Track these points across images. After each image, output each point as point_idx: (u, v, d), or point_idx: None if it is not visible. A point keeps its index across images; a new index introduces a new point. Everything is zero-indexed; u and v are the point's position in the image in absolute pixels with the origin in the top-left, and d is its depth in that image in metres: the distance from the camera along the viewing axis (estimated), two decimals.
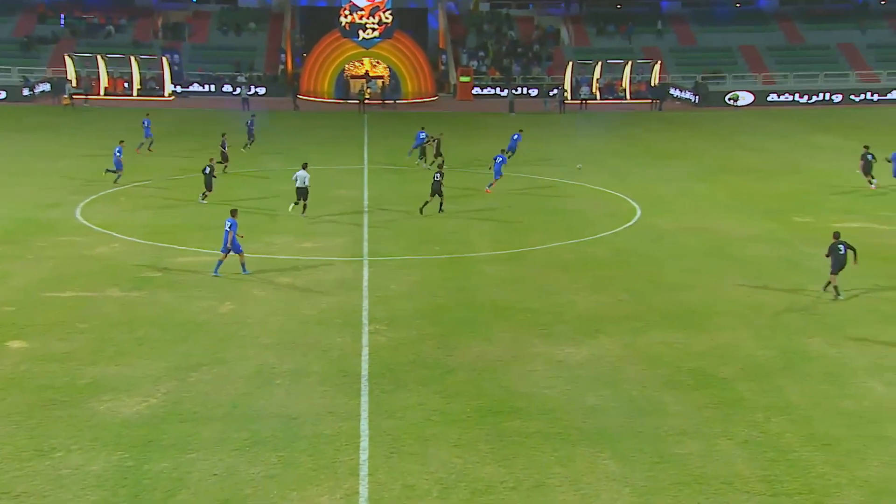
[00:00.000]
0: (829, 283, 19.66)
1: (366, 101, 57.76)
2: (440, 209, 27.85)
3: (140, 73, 60.90)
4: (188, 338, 16.96)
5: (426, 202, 27.71)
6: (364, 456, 12.55)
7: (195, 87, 62.85)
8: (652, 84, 61.81)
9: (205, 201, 28.53)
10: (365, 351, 16.46)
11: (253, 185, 32.22)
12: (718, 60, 67.28)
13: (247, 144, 39.29)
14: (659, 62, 63.74)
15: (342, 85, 64.01)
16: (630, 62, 64.14)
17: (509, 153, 34.94)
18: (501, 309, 18.94)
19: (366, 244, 24.26)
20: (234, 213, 21.35)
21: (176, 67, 62.49)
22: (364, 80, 63.76)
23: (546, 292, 20.08)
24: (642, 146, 40.82)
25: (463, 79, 63.88)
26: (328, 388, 14.77)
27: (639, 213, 28.25)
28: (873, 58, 66.77)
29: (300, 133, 46.47)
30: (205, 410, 13.86)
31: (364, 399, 14.37)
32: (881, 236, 25.05)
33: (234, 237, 20.88)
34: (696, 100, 61.03)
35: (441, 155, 34.75)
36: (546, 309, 18.91)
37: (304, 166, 27.49)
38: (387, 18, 62.53)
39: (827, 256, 19.75)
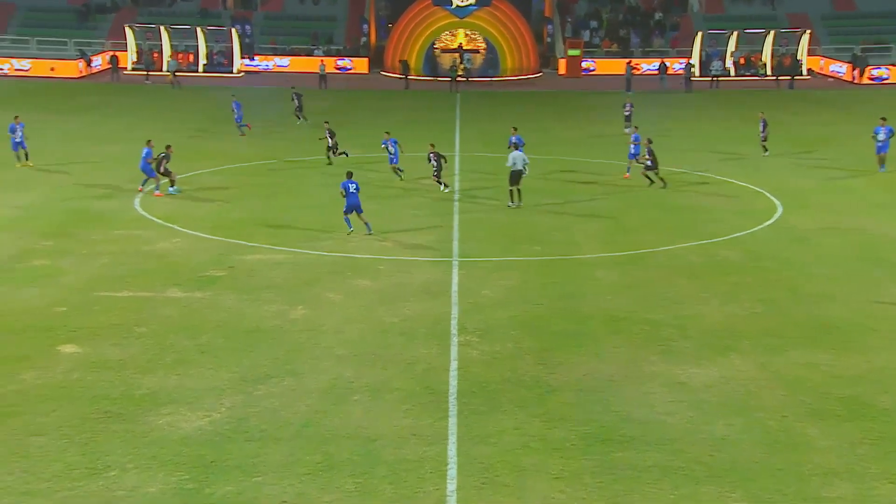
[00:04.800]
0: None
1: (458, 79, 58.06)
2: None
3: (207, 47, 62.59)
4: (255, 346, 17.37)
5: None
6: (452, 486, 12.61)
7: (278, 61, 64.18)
8: (797, 58, 60.20)
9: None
10: (454, 365, 16.55)
11: (321, 175, 32.70)
12: (883, 29, 64.94)
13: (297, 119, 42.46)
14: (808, 32, 61.92)
15: (431, 60, 64.43)
16: (772, 32, 62.55)
17: None
18: (614, 320, 18.77)
19: (456, 243, 24.38)
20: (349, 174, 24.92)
21: (247, 40, 64.00)
22: (457, 55, 64.05)
23: (668, 302, 19.80)
24: (783, 131, 39.81)
25: (571, 52, 63.48)
26: (412, 407, 14.91)
27: (779, 210, 27.56)
28: None
29: (380, 115, 47.00)
30: (273, 429, 14.16)
31: (452, 421, 14.45)
32: None
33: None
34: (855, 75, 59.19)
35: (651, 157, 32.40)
36: (667, 321, 18.66)
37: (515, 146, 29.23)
38: None
39: None
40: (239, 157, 35.59)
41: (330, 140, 33.99)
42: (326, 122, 35.23)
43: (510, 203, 27.79)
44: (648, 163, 30.36)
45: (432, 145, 30.08)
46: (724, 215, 27.14)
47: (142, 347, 17.21)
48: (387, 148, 31.39)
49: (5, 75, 59.43)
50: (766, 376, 16.06)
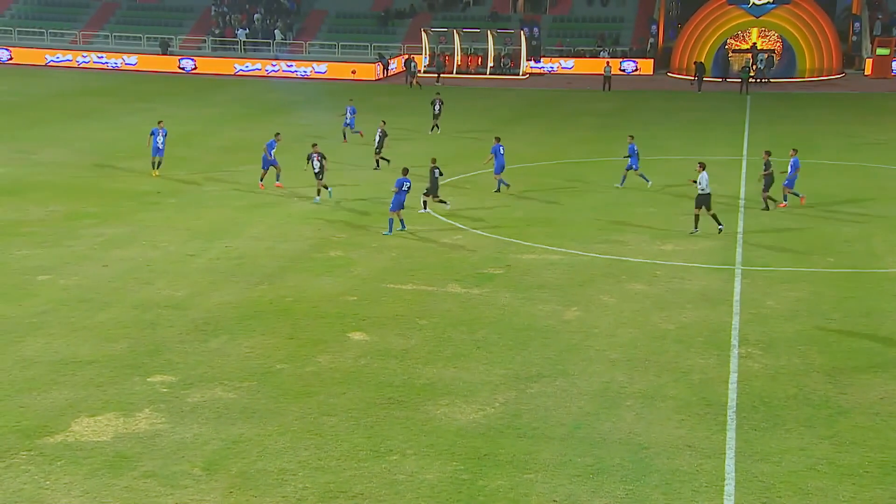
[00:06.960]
0: None
1: (750, 80, 55.89)
2: None
3: (495, 50, 64.09)
4: (528, 344, 17.62)
5: None
6: (729, 502, 12.19)
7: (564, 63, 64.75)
8: None
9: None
10: (733, 377, 15.99)
11: (599, 175, 32.51)
12: None
13: None
14: None
15: (721, 60, 62.46)
16: None
17: None
18: None
19: (739, 250, 23.54)
20: (405, 171, 25.33)
21: (534, 42, 64.96)
22: (750, 55, 61.67)
23: None
24: None
25: (880, 51, 59.26)
26: (686, 418, 14.55)
27: None
28: None
29: (666, 116, 46.12)
30: (545, 427, 14.30)
31: (731, 435, 13.97)
32: None
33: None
34: None
35: None
36: None
37: (703, 167, 24.72)
38: None
39: None
40: (521, 157, 36.20)
41: (377, 141, 33.61)
42: (383, 122, 34.52)
43: (695, 230, 24.72)
44: (765, 179, 27.13)
45: (433, 160, 27.52)
46: None
47: (423, 339, 17.94)
48: (494, 155, 29.86)
49: (307, 77, 63.86)
50: None
